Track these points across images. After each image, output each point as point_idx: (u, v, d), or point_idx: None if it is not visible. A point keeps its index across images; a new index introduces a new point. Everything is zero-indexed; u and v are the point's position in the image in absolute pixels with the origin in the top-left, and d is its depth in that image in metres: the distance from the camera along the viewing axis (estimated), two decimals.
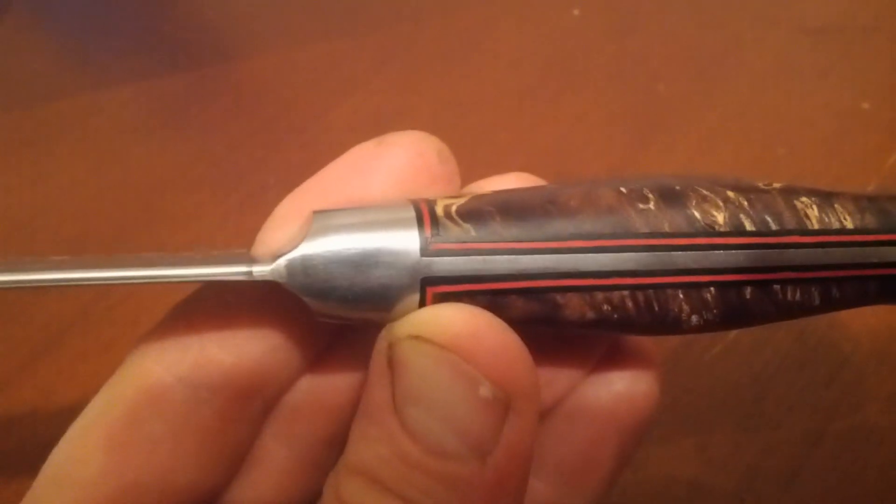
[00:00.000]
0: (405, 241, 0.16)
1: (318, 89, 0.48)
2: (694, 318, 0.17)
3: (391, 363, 0.16)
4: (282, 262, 0.16)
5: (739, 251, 0.17)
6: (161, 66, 0.51)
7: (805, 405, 0.31)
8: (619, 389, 0.19)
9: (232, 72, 0.50)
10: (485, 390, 0.15)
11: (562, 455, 0.19)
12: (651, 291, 0.17)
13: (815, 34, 0.46)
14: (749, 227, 0.17)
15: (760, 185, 0.18)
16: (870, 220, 0.18)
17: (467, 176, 0.21)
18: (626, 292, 0.17)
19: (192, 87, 0.49)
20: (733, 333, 0.33)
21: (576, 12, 0.49)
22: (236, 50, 0.51)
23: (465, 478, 0.15)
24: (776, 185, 0.18)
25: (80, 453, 0.17)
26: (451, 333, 0.15)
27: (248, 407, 0.18)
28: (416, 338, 0.15)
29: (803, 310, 0.18)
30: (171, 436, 0.17)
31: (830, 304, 0.18)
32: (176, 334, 0.18)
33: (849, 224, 0.17)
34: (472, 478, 0.15)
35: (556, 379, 0.19)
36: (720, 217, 0.17)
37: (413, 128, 0.44)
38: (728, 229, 0.17)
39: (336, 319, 0.17)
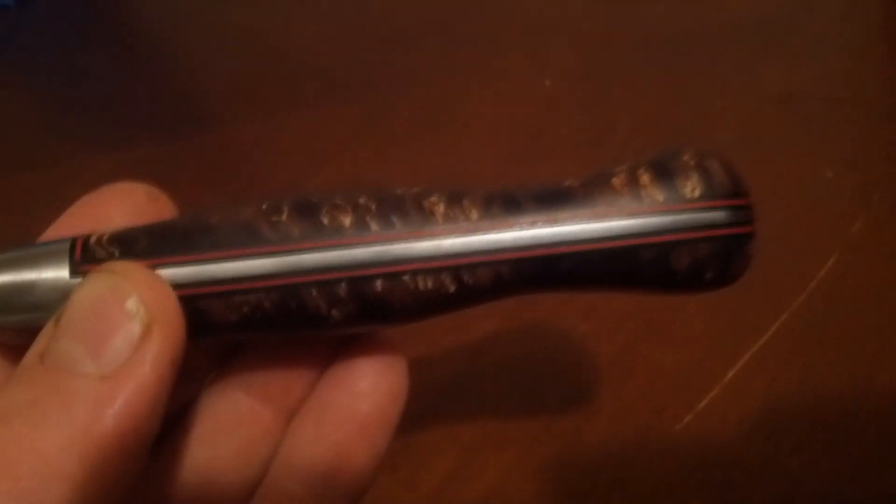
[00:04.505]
0: (57, 267, 0.18)
1: (295, 158, 0.48)
2: (335, 313, 0.19)
3: None
4: None
5: (364, 248, 0.18)
6: (139, 136, 0.51)
7: (774, 473, 0.31)
8: (363, 388, 0.20)
9: (210, 141, 0.50)
10: (131, 303, 0.17)
11: (313, 457, 0.20)
12: (284, 291, 0.18)
13: (780, 104, 0.47)
14: (374, 227, 0.18)
15: (398, 190, 0.19)
16: (496, 211, 0.19)
17: None
18: (261, 294, 0.18)
19: (170, 156, 0.50)
20: (703, 403, 0.33)
21: (547, 83, 0.50)
22: (214, 119, 0.52)
23: (82, 389, 0.16)
24: (413, 190, 0.19)
25: None
26: (116, 265, 0.18)
27: None
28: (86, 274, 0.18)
29: (443, 297, 0.19)
30: None
31: (469, 290, 0.19)
32: None
33: (474, 216, 0.19)
34: (88, 390, 0.16)
35: (292, 380, 0.21)
36: (347, 221, 0.18)
37: None
38: (353, 231, 0.18)
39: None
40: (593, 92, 0.50)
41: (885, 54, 0.52)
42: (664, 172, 0.19)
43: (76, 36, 0.66)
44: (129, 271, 0.17)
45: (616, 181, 0.19)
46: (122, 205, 0.21)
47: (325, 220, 0.18)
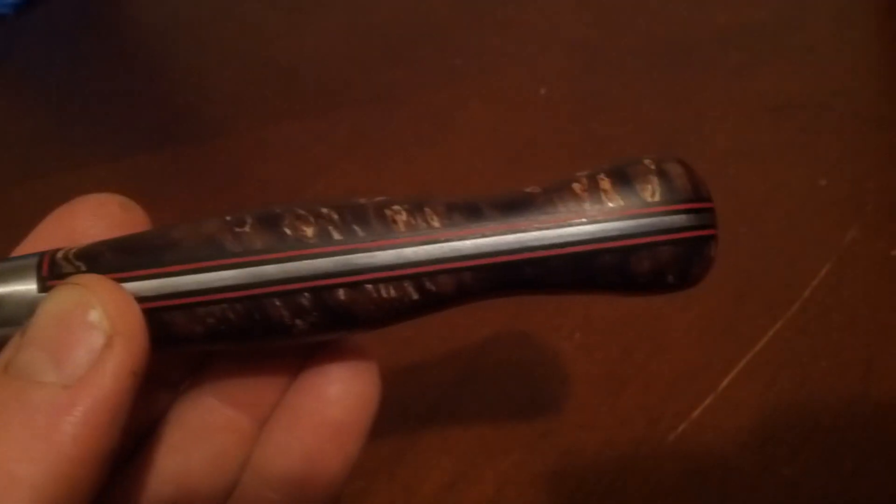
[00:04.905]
0: (25, 282, 0.19)
1: (291, 169, 0.49)
2: (299, 322, 0.19)
3: None
4: None
5: (326, 258, 0.19)
6: (137, 147, 0.51)
7: (768, 482, 0.32)
8: (333, 394, 0.20)
9: (207, 152, 0.51)
10: (94, 315, 0.17)
11: (285, 463, 0.20)
12: (248, 302, 0.18)
13: (774, 112, 0.48)
14: (337, 237, 0.19)
15: (361, 200, 0.19)
16: (458, 219, 0.19)
17: None
18: (225, 305, 0.18)
19: (167, 168, 0.50)
20: (697, 411, 0.34)
21: (542, 92, 0.51)
22: (211, 131, 0.52)
23: (43, 397, 0.16)
24: (376, 199, 0.19)
25: None
26: (81, 278, 0.18)
27: None
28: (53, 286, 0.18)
29: (406, 304, 0.19)
30: None
31: (432, 297, 0.19)
32: None
33: (436, 224, 0.19)
34: (49, 398, 0.16)
35: (264, 387, 0.21)
36: (309, 231, 0.19)
37: None
38: (316, 241, 0.19)
39: None
40: (588, 100, 0.50)
41: (878, 62, 0.52)
42: (624, 177, 0.19)
43: (74, 46, 0.67)
44: (93, 284, 0.18)
45: (577, 187, 0.19)
46: (95, 216, 0.21)
47: (288, 231, 0.19)
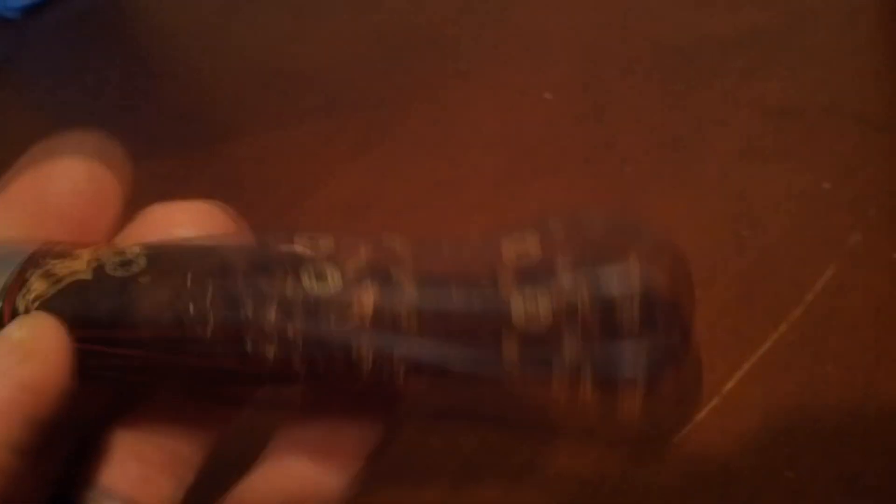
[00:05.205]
0: None
1: (298, 174, 0.49)
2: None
3: None
4: None
5: (285, 376, 0.18)
6: (141, 152, 0.51)
7: (771, 485, 0.32)
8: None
9: (212, 157, 0.51)
10: (22, 334, 0.18)
11: (316, 436, 0.21)
12: (201, 384, 0.20)
13: (777, 116, 0.48)
14: (298, 363, 0.18)
15: (332, 317, 0.18)
16: (429, 325, 0.19)
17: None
18: (177, 382, 0.20)
19: (171, 172, 0.50)
20: (701, 415, 0.34)
21: (547, 96, 0.51)
22: (217, 135, 0.53)
23: None
24: (349, 324, 0.18)
25: None
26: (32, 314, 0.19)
27: None
28: None
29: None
30: None
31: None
32: None
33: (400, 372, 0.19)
34: None
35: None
36: (271, 352, 0.18)
37: (389, 211, 0.45)
38: (276, 362, 0.18)
39: None
40: (593, 105, 0.50)
41: (882, 66, 0.52)
42: (605, 310, 0.18)
43: (80, 50, 0.67)
44: (36, 317, 0.19)
45: (556, 385, 0.19)
46: (64, 182, 0.22)
47: (249, 347, 0.18)
